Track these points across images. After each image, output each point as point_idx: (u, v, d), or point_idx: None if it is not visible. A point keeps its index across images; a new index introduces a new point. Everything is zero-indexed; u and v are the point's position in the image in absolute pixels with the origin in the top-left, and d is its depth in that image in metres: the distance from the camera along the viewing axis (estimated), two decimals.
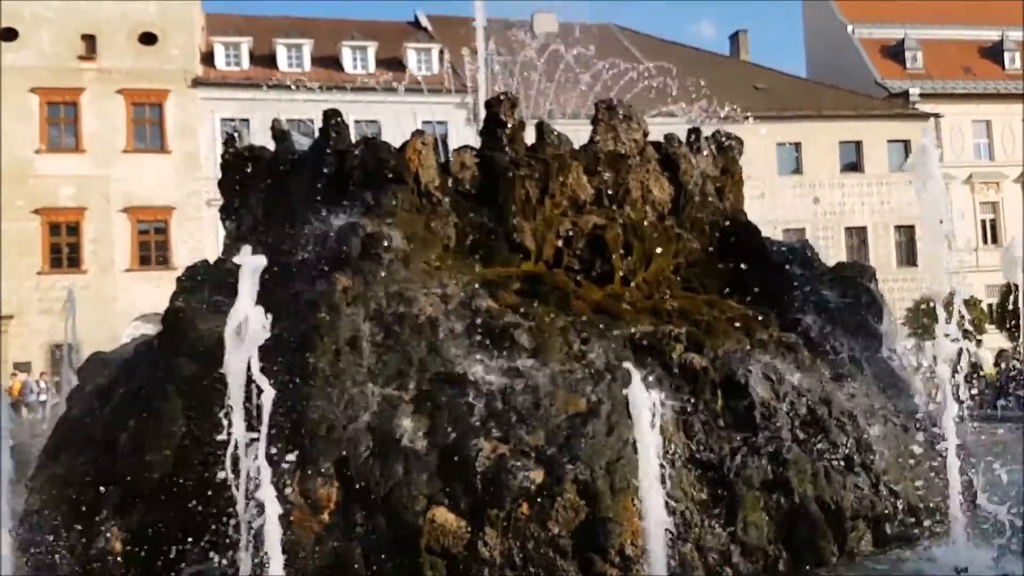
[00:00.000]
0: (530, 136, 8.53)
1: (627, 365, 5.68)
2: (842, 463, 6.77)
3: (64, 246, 33.26)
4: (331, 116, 8.56)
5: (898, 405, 7.82)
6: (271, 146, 9.30)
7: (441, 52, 37.09)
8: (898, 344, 9.34)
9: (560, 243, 8.18)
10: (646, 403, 4.98)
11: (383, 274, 7.24)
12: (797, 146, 40.55)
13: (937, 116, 41.96)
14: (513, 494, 5.84)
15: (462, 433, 6.18)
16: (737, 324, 7.65)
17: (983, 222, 42.76)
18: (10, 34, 33.72)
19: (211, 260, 8.94)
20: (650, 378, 5.99)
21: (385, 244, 7.38)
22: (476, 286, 7.33)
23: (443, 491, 5.94)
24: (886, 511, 6.70)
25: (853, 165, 41.40)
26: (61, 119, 34.09)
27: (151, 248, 34.16)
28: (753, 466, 6.45)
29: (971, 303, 33.88)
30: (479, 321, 6.95)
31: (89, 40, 34.35)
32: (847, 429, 7.00)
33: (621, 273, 8.10)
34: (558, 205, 8.30)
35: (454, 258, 7.79)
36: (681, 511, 6.00)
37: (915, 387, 8.35)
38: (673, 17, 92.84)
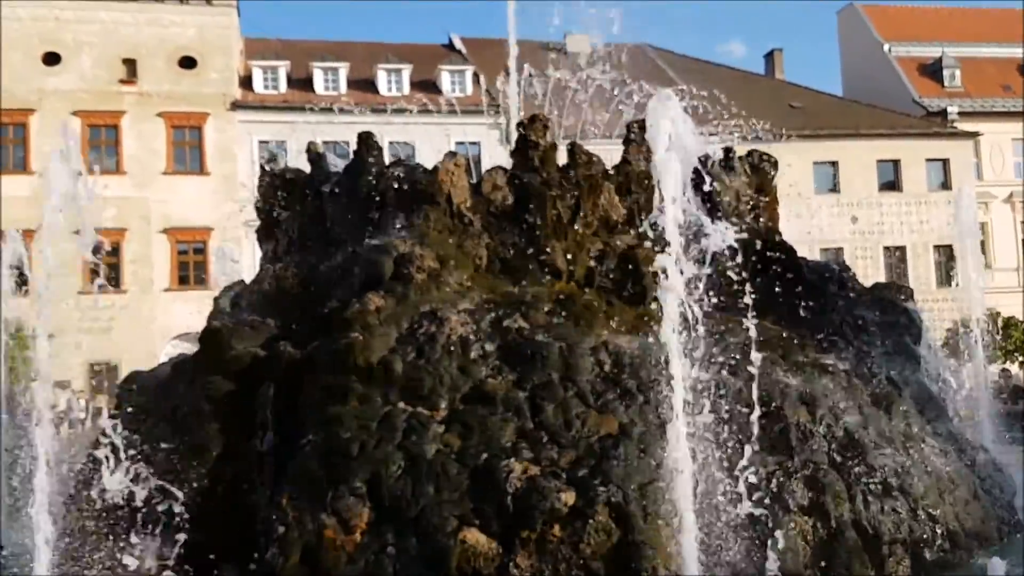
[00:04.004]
0: (562, 156, 8.54)
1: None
2: (880, 487, 6.65)
3: (104, 266, 33.75)
4: (366, 138, 8.65)
5: (937, 428, 7.69)
6: (307, 168, 9.41)
7: (475, 74, 37.38)
8: (937, 366, 9.19)
9: (592, 263, 8.16)
10: None
11: (415, 294, 7.27)
12: (834, 165, 40.24)
13: (976, 135, 41.46)
14: (544, 516, 5.81)
15: (493, 453, 6.16)
16: (773, 345, 7.57)
17: None
18: (53, 58, 34.51)
19: (248, 280, 9.04)
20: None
21: (417, 264, 7.42)
22: (507, 306, 7.34)
23: (474, 512, 5.92)
24: (925, 536, 6.57)
25: (891, 184, 40.98)
26: (102, 142, 34.74)
27: (190, 268, 34.62)
28: (789, 490, 6.36)
29: (1012, 324, 33.37)
30: (510, 340, 6.94)
31: (130, 64, 35.06)
32: (885, 452, 6.89)
33: (653, 293, 8.06)
34: (590, 225, 8.29)
35: (486, 278, 7.81)
36: (716, 535, 5.93)
37: (954, 409, 8.20)
38: (704, 37, 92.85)
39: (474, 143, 32.53)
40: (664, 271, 5.46)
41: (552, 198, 8.11)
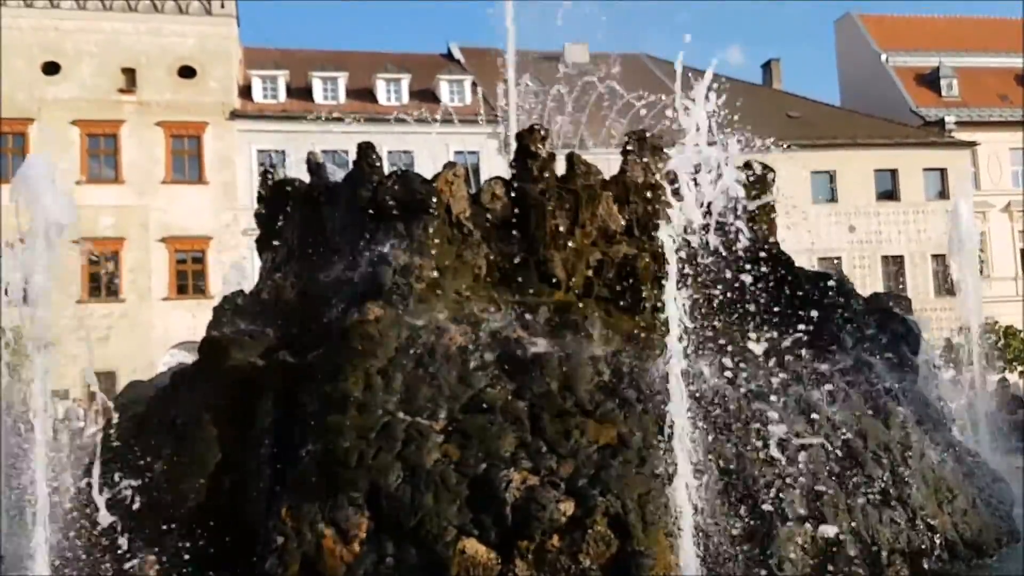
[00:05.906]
0: (561, 166, 8.57)
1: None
2: (878, 497, 6.66)
3: (103, 275, 33.78)
4: (365, 148, 8.67)
5: (935, 437, 7.69)
6: (307, 178, 9.42)
7: (473, 83, 37.47)
8: (935, 375, 9.21)
9: (590, 273, 8.18)
10: None
11: (414, 304, 7.28)
12: (831, 175, 40.31)
13: (973, 144, 41.54)
14: (543, 526, 5.81)
15: (492, 463, 6.17)
16: (770, 355, 7.58)
17: (1022, 251, 42.08)
18: (52, 68, 34.57)
19: (247, 290, 9.05)
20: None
21: (416, 274, 7.44)
22: (506, 316, 7.35)
23: (473, 522, 5.92)
24: (923, 546, 6.58)
25: (889, 193, 41.04)
26: (101, 150, 34.79)
27: (188, 277, 34.63)
28: (788, 500, 6.36)
29: (1010, 333, 33.38)
30: (509, 350, 6.95)
31: (129, 73, 35.11)
32: (883, 462, 6.90)
33: (651, 303, 8.08)
34: (588, 235, 8.31)
35: (485, 288, 7.82)
36: (714, 545, 5.93)
37: (953, 419, 8.21)
38: (703, 44, 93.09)
39: (473, 152, 32.60)
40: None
41: (551, 208, 8.13)
